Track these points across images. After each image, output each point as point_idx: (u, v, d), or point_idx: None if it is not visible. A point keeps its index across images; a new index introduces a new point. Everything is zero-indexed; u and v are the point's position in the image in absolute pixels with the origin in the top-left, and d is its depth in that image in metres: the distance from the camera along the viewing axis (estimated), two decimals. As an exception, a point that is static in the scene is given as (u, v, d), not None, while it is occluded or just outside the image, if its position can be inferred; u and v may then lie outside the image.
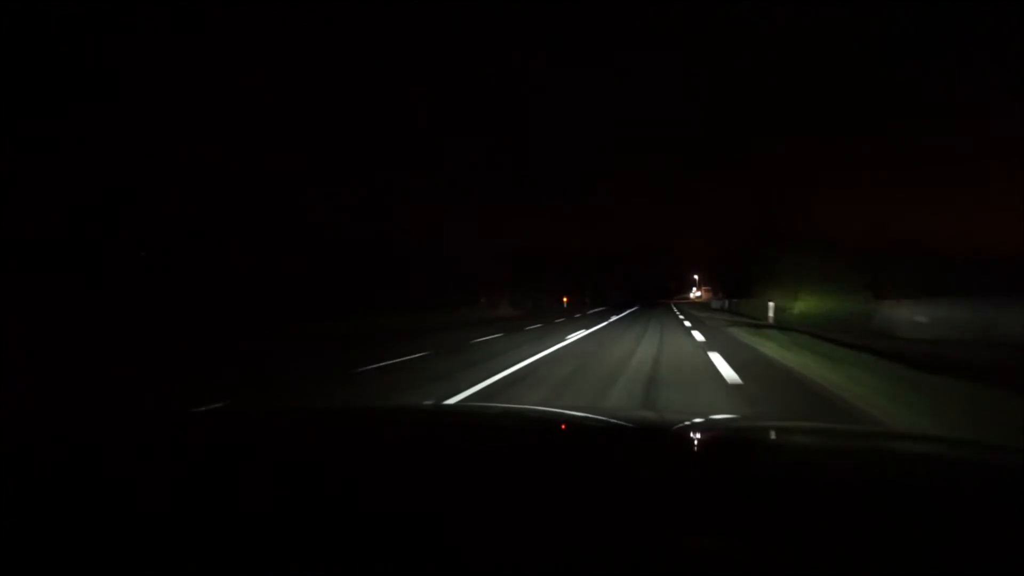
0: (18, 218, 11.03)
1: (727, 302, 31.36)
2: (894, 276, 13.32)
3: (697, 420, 1.22)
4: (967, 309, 9.54)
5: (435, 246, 25.71)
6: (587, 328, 13.98)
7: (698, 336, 10.69)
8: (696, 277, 79.65)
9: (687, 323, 15.61)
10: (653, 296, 69.13)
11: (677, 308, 33.41)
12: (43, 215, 11.49)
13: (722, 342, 9.35)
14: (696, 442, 1.06)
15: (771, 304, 16.58)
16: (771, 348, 8.12)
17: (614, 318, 20.33)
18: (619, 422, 1.22)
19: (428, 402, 4.39)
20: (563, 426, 1.20)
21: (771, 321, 15.75)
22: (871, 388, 4.60)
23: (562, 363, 6.88)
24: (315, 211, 19.21)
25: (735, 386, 4.96)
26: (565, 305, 39.20)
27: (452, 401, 4.55)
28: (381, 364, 7.05)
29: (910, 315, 11.03)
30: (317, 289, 17.36)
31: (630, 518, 0.55)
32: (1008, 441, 1.75)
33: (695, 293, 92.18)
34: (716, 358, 6.86)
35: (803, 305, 17.12)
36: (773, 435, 1.17)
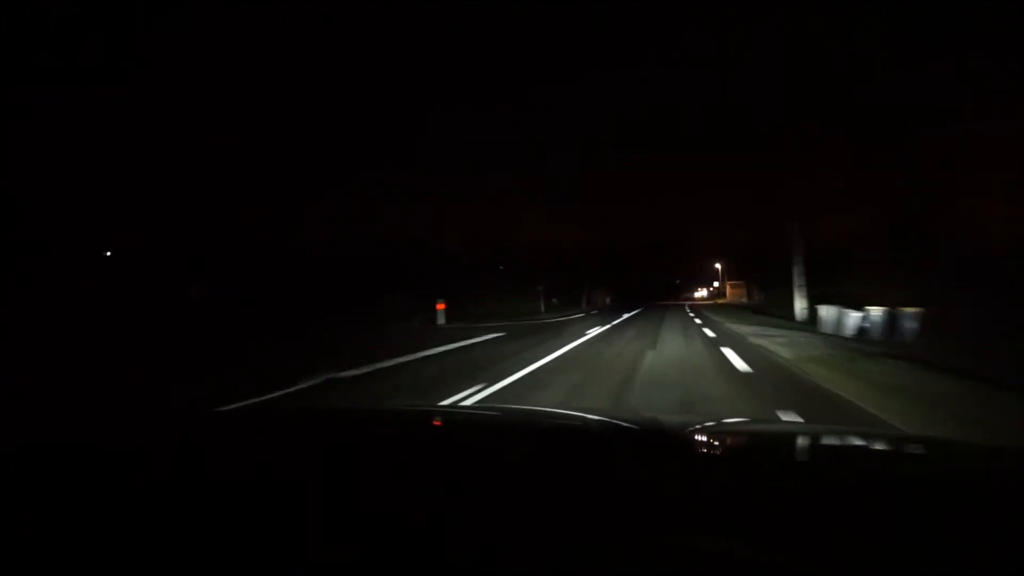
0: (15, 218, 11.45)
1: (838, 311, 11.68)
2: None
3: (709, 423, 1.21)
4: None
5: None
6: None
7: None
8: (718, 266, 56.92)
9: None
10: (652, 296, 56.65)
11: (709, 326, 14.05)
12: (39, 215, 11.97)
13: None
14: (705, 444, 1.05)
15: None
16: None
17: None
18: (629, 425, 1.23)
19: (440, 404, 4.37)
20: (572, 428, 1.21)
21: None
22: None
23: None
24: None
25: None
26: (440, 315, 18.91)
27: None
28: None
29: None
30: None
31: (635, 519, 0.55)
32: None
33: (700, 292, 71.80)
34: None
35: None
36: (782, 438, 1.17)
